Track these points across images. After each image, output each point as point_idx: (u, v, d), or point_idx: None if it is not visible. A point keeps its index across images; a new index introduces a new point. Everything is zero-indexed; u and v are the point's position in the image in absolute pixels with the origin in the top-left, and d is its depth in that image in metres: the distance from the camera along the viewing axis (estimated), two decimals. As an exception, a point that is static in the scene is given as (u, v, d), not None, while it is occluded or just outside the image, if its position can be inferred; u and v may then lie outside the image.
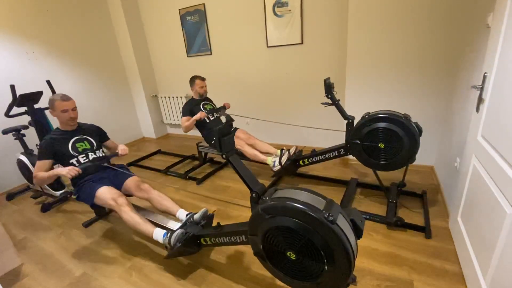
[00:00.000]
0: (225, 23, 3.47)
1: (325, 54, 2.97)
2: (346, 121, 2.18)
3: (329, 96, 2.20)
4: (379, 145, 1.91)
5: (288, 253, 1.08)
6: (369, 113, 1.98)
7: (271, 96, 3.50)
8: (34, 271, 1.82)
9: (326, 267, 1.01)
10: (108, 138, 2.21)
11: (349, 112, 2.25)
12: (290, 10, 2.97)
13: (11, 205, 2.76)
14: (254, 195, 1.28)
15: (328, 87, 2.17)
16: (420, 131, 1.87)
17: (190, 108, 2.77)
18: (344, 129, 2.21)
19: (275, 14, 3.07)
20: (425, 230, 1.79)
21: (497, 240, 1.09)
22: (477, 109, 1.43)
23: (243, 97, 3.70)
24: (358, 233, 1.06)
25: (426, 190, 2.23)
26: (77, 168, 1.70)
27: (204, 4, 3.51)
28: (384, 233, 1.84)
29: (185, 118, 2.70)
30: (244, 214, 2.23)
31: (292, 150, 2.52)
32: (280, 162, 2.39)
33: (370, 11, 2.39)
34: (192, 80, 2.85)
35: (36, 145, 2.57)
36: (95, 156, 1.99)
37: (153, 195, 1.93)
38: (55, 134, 1.92)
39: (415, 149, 1.84)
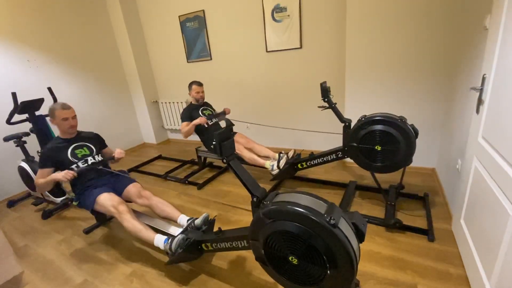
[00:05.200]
0: (225, 29, 3.50)
1: (324, 58, 2.99)
2: (343, 124, 2.19)
3: (326, 99, 2.22)
4: (376, 147, 1.92)
5: (290, 258, 1.07)
6: (366, 115, 1.98)
7: (271, 100, 3.51)
8: (34, 279, 1.81)
9: (328, 272, 1.00)
10: (106, 146, 2.21)
11: (349, 115, 2.26)
12: (288, 15, 3.00)
13: (12, 212, 2.75)
14: (255, 199, 1.28)
15: (325, 91, 2.20)
16: (416, 133, 1.86)
17: (189, 113, 2.78)
18: (342, 132, 2.22)
19: (274, 19, 3.10)
20: (428, 233, 1.78)
21: (501, 242, 1.09)
22: (477, 111, 1.43)
23: (243, 102, 3.71)
24: (361, 237, 1.05)
25: (428, 193, 2.22)
26: (72, 172, 1.72)
27: (203, 10, 3.55)
28: (386, 236, 1.83)
29: (184, 123, 2.71)
30: (245, 218, 2.22)
31: (290, 154, 2.55)
32: (278, 166, 2.43)
33: (368, 15, 2.41)
34: (190, 85, 2.88)
35: (38, 152, 2.58)
36: (94, 161, 2.00)
37: (154, 201, 1.93)
38: (55, 142, 1.94)
39: (411, 151, 1.84)
